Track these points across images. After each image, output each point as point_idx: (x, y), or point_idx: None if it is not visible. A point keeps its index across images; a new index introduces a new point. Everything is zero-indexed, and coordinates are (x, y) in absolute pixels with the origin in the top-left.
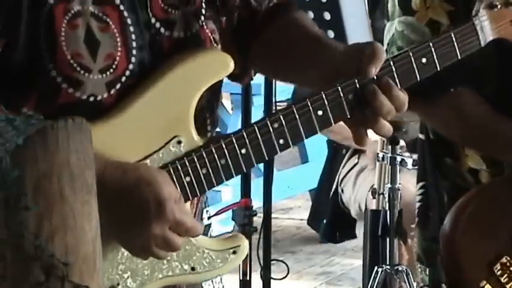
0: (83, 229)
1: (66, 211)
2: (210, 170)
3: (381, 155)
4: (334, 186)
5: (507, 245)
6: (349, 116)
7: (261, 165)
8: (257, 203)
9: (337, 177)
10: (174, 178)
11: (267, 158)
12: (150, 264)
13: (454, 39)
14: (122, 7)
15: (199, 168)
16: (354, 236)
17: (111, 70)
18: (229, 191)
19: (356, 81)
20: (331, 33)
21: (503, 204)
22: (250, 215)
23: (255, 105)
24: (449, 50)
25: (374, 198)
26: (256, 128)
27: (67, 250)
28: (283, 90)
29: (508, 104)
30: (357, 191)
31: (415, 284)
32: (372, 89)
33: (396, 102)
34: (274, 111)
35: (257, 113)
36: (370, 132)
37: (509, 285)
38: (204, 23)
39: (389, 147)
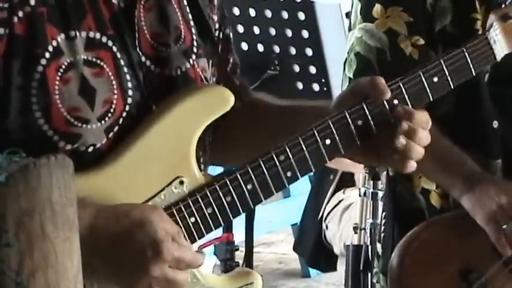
0: (64, 266)
1: (48, 248)
2: (216, 209)
3: (362, 190)
4: (318, 219)
5: (455, 282)
6: (358, 143)
7: None
8: (239, 237)
9: (321, 212)
10: (179, 219)
11: (275, 192)
12: None
13: (466, 54)
14: (114, 48)
15: (204, 208)
16: (334, 269)
17: (109, 115)
18: None
19: (364, 106)
20: (309, 51)
21: (450, 240)
22: (232, 249)
23: None
24: (463, 66)
25: (356, 233)
26: (261, 162)
27: (48, 287)
28: None
29: (464, 124)
30: (342, 230)
31: None
32: (397, 112)
33: (418, 125)
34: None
35: None
36: None
37: None
38: (195, 62)
39: (371, 182)
